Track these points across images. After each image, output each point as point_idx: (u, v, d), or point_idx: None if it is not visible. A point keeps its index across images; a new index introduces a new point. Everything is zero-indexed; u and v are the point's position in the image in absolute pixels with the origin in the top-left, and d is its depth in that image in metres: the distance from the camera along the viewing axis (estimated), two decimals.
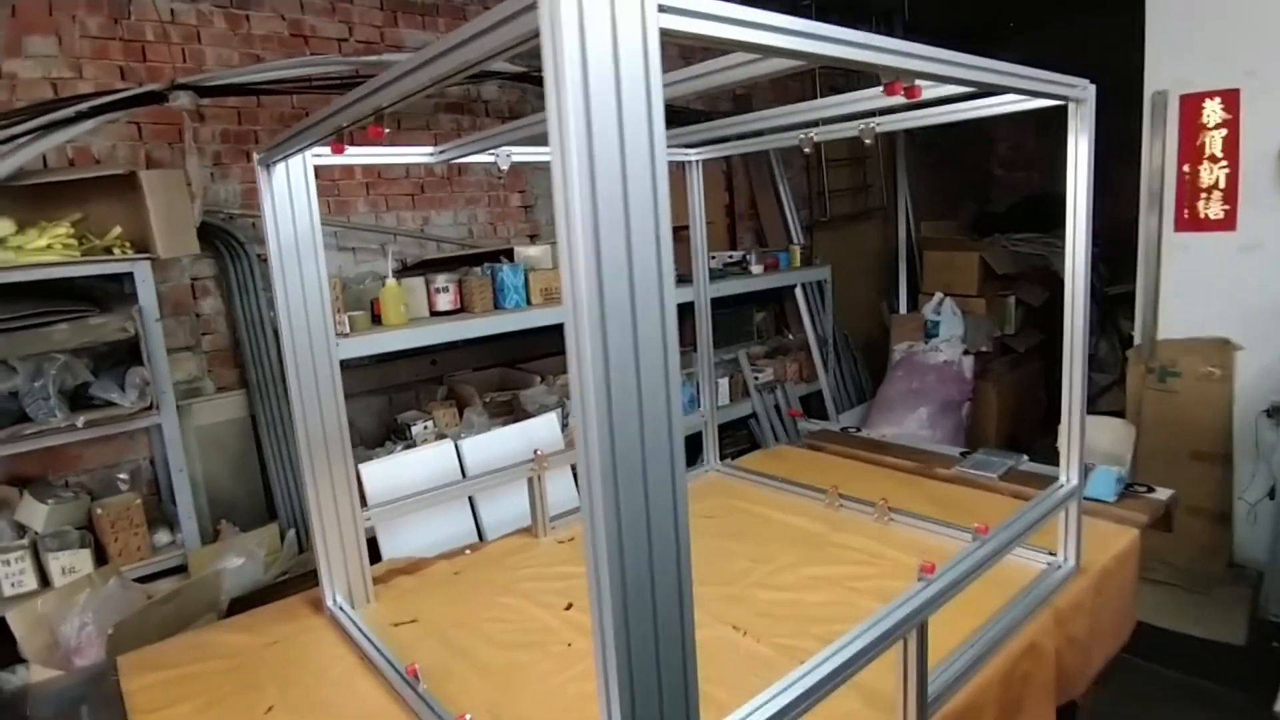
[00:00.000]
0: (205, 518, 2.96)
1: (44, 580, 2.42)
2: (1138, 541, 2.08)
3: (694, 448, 3.23)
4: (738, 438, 4.35)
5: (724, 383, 4.13)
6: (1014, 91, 1.68)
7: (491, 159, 2.06)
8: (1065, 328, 1.83)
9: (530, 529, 2.37)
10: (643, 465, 0.87)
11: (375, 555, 2.56)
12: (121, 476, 2.78)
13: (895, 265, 5.53)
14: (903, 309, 5.45)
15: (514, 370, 3.87)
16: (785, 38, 0.94)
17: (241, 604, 2.23)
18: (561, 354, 3.98)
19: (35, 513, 2.47)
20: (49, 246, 2.40)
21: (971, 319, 4.94)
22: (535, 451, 2.35)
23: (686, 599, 0.96)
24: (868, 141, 2.08)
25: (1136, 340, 3.72)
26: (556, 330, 4.06)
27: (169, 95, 2.49)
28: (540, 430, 3.04)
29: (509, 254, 3.53)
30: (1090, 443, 2.44)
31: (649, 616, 0.91)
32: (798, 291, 4.47)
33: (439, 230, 3.72)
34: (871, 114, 1.93)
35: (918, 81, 1.32)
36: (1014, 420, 5.08)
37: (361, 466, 2.59)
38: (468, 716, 1.41)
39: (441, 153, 2.08)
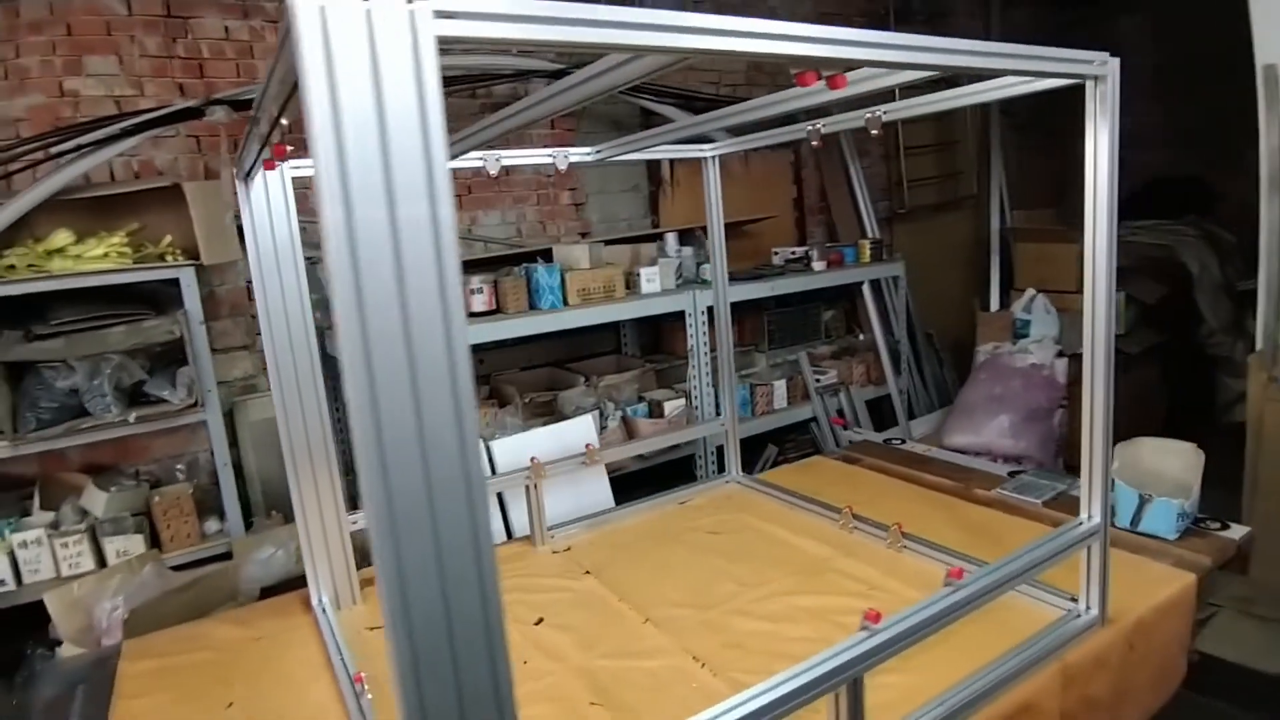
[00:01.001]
0: (260, 509, 3.15)
1: (101, 562, 2.65)
2: (1193, 589, 1.80)
3: (720, 456, 3.13)
4: (800, 442, 4.17)
5: (781, 385, 3.97)
6: (1004, 75, 1.49)
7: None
8: (1085, 337, 1.61)
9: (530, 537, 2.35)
10: (433, 526, 0.81)
11: None
12: (179, 467, 3.00)
13: (987, 259, 5.11)
14: (994, 306, 5.04)
15: (562, 370, 3.88)
16: (615, 31, 0.84)
17: (272, 593, 2.35)
18: (606, 354, 3.98)
19: (96, 499, 2.71)
20: (105, 255, 2.61)
21: (1069, 318, 4.49)
22: (531, 459, 2.33)
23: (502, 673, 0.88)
24: (874, 132, 1.92)
25: (1258, 344, 3.25)
26: (607, 330, 4.05)
27: (205, 110, 2.65)
28: (574, 432, 3.03)
29: (548, 254, 3.53)
30: (1154, 469, 2.17)
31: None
32: (864, 289, 4.21)
33: (486, 230, 3.78)
34: (865, 102, 1.76)
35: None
36: (1123, 430, 4.57)
37: None
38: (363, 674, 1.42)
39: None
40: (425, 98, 0.77)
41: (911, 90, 1.73)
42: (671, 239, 3.85)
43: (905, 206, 4.92)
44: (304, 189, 3.29)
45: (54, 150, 2.53)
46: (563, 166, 2.19)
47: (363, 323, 0.76)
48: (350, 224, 0.75)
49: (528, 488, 2.30)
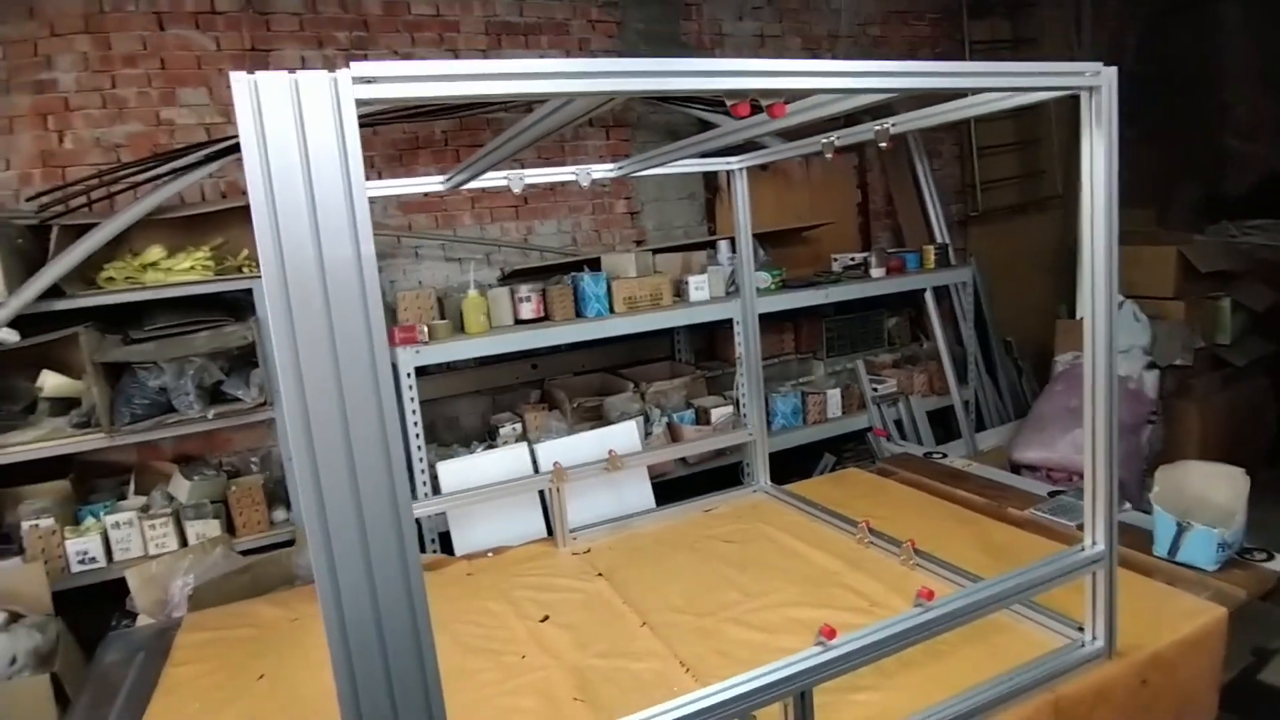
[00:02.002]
0: None
1: (183, 544, 2.96)
2: (1223, 623, 1.71)
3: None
4: (859, 452, 4.12)
5: (835, 394, 3.94)
6: (985, 91, 1.49)
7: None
8: (1085, 348, 1.57)
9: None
10: (365, 553, 0.94)
11: (448, 547, 2.83)
12: (254, 460, 3.31)
13: (1073, 262, 4.86)
14: (1080, 313, 4.79)
15: (614, 376, 3.99)
16: (502, 83, 0.94)
17: None
18: (659, 360, 4.06)
19: (181, 487, 3.03)
20: (191, 267, 2.93)
21: (1163, 326, 4.23)
22: (555, 464, 2.45)
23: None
24: (883, 145, 1.93)
25: None
26: (661, 336, 4.13)
27: None
28: (618, 437, 3.13)
29: (597, 263, 3.65)
30: (1200, 495, 2.06)
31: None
32: (927, 296, 4.11)
33: (541, 239, 3.95)
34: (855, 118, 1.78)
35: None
36: (1226, 448, 4.25)
37: (439, 464, 2.87)
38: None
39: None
40: (347, 151, 0.89)
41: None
42: (724, 246, 3.90)
43: (979, 209, 4.75)
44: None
45: (151, 173, 2.87)
46: (585, 183, 2.30)
47: (293, 338, 0.89)
48: (280, 257, 0.89)
49: (545, 492, 2.42)
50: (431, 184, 2.18)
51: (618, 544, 2.43)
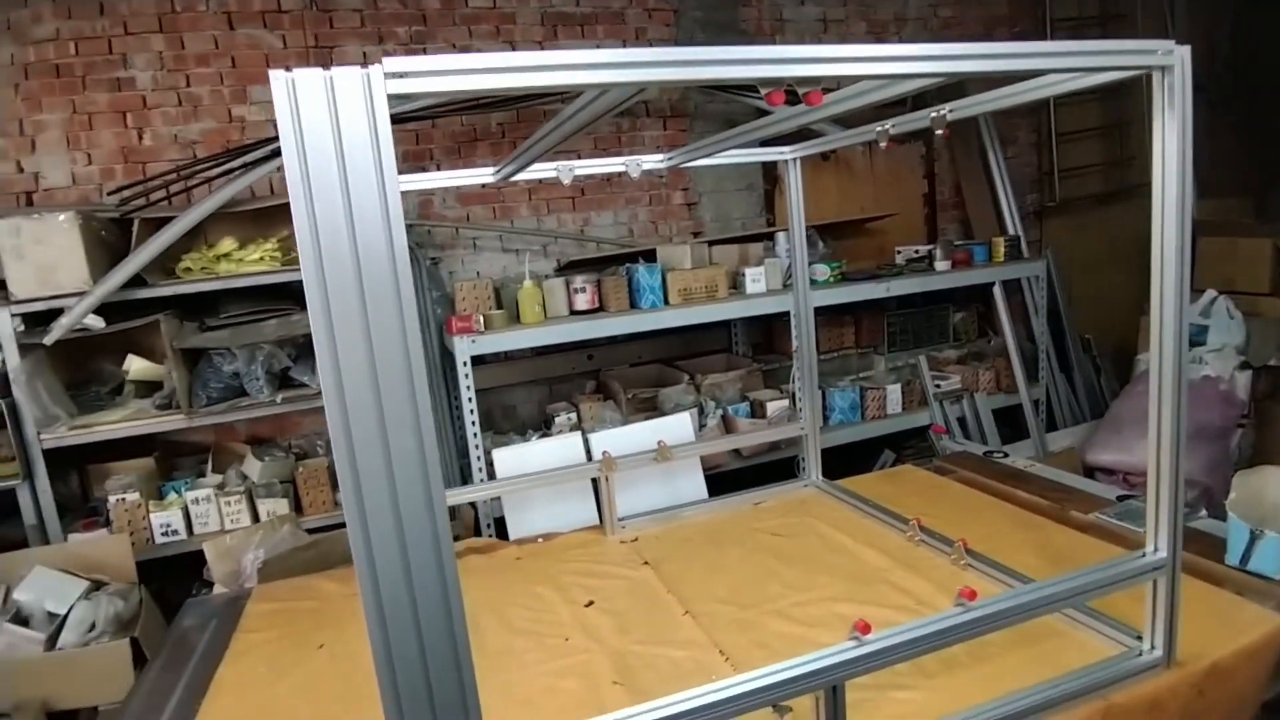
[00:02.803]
0: None
1: (255, 520, 3.14)
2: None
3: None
4: (920, 449, 4.04)
5: (896, 389, 3.86)
6: (1048, 73, 1.44)
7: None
8: (1152, 350, 1.52)
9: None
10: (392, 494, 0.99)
11: (503, 533, 2.92)
12: (319, 443, 3.47)
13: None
14: None
15: (670, 368, 4.02)
16: (526, 75, 0.97)
17: None
18: (716, 353, 4.06)
19: (254, 467, 3.21)
20: (260, 258, 3.09)
21: (1258, 324, 3.99)
22: (604, 453, 2.49)
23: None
24: (939, 132, 1.89)
25: None
26: (718, 328, 4.13)
27: None
28: (671, 428, 3.15)
29: (653, 255, 3.68)
30: (1278, 502, 1.95)
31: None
32: (995, 290, 3.98)
33: (599, 231, 4.00)
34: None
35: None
36: None
37: (494, 451, 2.96)
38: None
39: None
40: (380, 143, 0.94)
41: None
42: (782, 238, 3.87)
43: (1056, 199, 4.57)
44: (425, 196, 3.68)
45: (224, 168, 3.04)
46: (634, 174, 2.32)
47: (330, 328, 0.95)
48: (318, 248, 0.94)
49: (597, 480, 2.47)
50: (482, 176, 2.24)
51: (665, 534, 2.46)
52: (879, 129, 2.07)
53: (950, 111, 1.83)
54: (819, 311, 3.85)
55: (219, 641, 2.05)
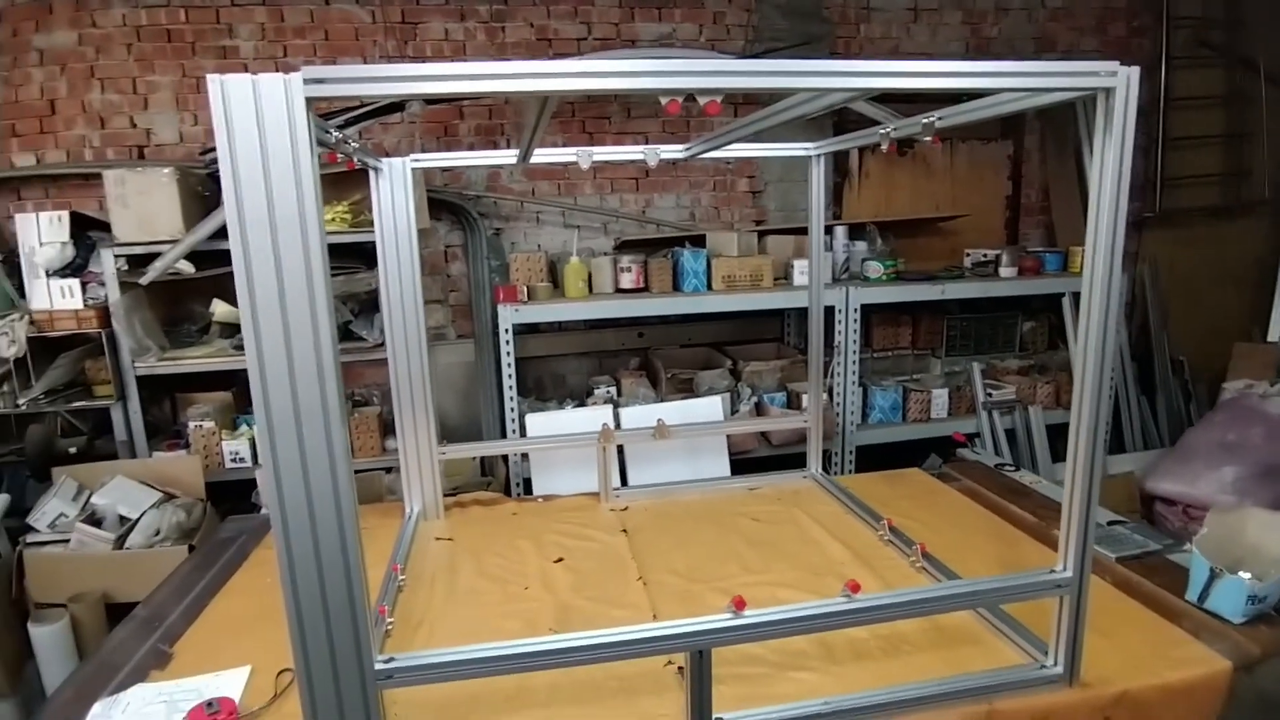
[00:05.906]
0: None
1: None
2: (1224, 677, 1.63)
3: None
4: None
5: (943, 394, 3.84)
6: (989, 93, 1.50)
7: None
8: (1075, 371, 1.55)
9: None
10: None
11: (530, 491, 3.18)
12: (374, 394, 3.86)
13: (1274, 279, 4.29)
14: (1274, 336, 4.24)
15: (717, 352, 4.15)
16: (416, 84, 1.17)
17: None
18: (767, 341, 4.16)
19: None
20: (332, 219, 3.46)
21: None
22: (603, 425, 2.69)
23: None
24: (927, 139, 1.96)
25: None
26: (771, 317, 4.22)
27: (405, 104, 3.38)
28: (700, 410, 3.34)
29: (703, 240, 3.81)
30: (1255, 545, 1.93)
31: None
32: (1064, 301, 3.85)
33: (660, 213, 4.16)
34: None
35: None
36: None
37: (528, 415, 3.24)
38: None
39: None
40: (297, 144, 1.16)
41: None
42: (840, 233, 3.91)
43: (1158, 209, 4.32)
44: (493, 169, 3.94)
45: None
46: (653, 163, 2.47)
47: (252, 301, 1.19)
48: (242, 224, 1.18)
49: (597, 449, 2.67)
50: (504, 157, 2.48)
51: (653, 507, 2.64)
52: (880, 132, 2.14)
53: (939, 119, 1.89)
54: (875, 309, 3.88)
55: (242, 553, 2.41)
